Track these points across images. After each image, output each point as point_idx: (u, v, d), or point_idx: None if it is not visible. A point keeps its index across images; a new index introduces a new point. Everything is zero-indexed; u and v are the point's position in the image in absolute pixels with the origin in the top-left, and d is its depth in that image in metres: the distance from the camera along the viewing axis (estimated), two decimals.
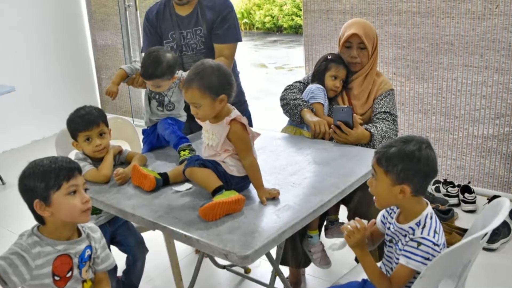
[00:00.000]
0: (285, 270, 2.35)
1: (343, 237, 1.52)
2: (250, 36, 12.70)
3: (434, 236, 1.39)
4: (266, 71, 8.75)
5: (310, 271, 2.50)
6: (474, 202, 3.01)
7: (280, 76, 8.16)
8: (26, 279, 1.36)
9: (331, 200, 1.65)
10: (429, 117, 3.24)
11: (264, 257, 1.68)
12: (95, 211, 1.97)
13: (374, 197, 1.49)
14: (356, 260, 1.93)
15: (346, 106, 2.22)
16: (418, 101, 3.26)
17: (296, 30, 12.22)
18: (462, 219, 2.94)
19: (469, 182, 3.14)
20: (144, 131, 2.22)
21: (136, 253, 2.09)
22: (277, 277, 1.97)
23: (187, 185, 1.75)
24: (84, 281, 1.50)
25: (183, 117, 2.18)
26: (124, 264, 2.10)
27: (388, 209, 1.57)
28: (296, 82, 2.44)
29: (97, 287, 1.56)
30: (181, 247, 2.37)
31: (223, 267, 2.44)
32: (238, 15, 9.22)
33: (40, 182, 1.37)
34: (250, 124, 2.55)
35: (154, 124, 2.16)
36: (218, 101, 1.60)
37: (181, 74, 2.12)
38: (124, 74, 2.11)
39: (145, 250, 2.13)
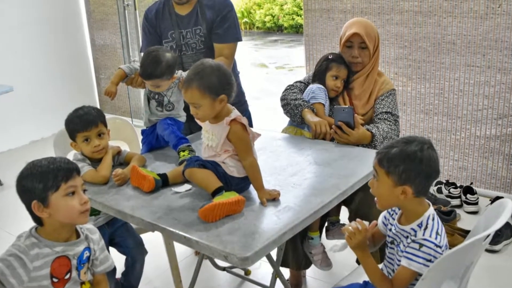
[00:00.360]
0: (286, 272, 2.34)
1: (344, 238, 1.51)
2: (250, 36, 12.69)
3: (436, 238, 1.38)
4: (267, 71, 8.74)
5: (311, 273, 2.49)
6: (476, 203, 2.99)
7: (281, 76, 8.14)
8: (24, 281, 1.35)
9: (332, 201, 1.63)
10: (431, 117, 3.23)
11: (264, 258, 1.66)
12: (94, 212, 1.95)
13: (375, 198, 1.48)
14: (357, 261, 1.92)
15: (347, 106, 2.21)
16: (420, 101, 3.25)
17: (296, 30, 12.21)
18: (464, 220, 2.92)
19: (472, 183, 3.13)
20: (143, 132, 2.21)
21: (135, 255, 2.08)
22: (278, 279, 1.96)
23: (186, 186, 1.74)
24: (82, 283, 1.49)
25: (182, 118, 2.17)
26: (123, 266, 2.09)
27: (389, 210, 1.56)
28: (296, 82, 2.43)
29: None
30: (180, 249, 2.36)
31: (223, 268, 2.43)
32: (238, 14, 9.20)
33: (38, 183, 1.36)
34: (250, 125, 2.54)
35: (153, 125, 2.15)
36: (218, 101, 1.59)
37: (180, 74, 2.11)
38: (123, 74, 2.09)
39: (144, 251, 2.12)
